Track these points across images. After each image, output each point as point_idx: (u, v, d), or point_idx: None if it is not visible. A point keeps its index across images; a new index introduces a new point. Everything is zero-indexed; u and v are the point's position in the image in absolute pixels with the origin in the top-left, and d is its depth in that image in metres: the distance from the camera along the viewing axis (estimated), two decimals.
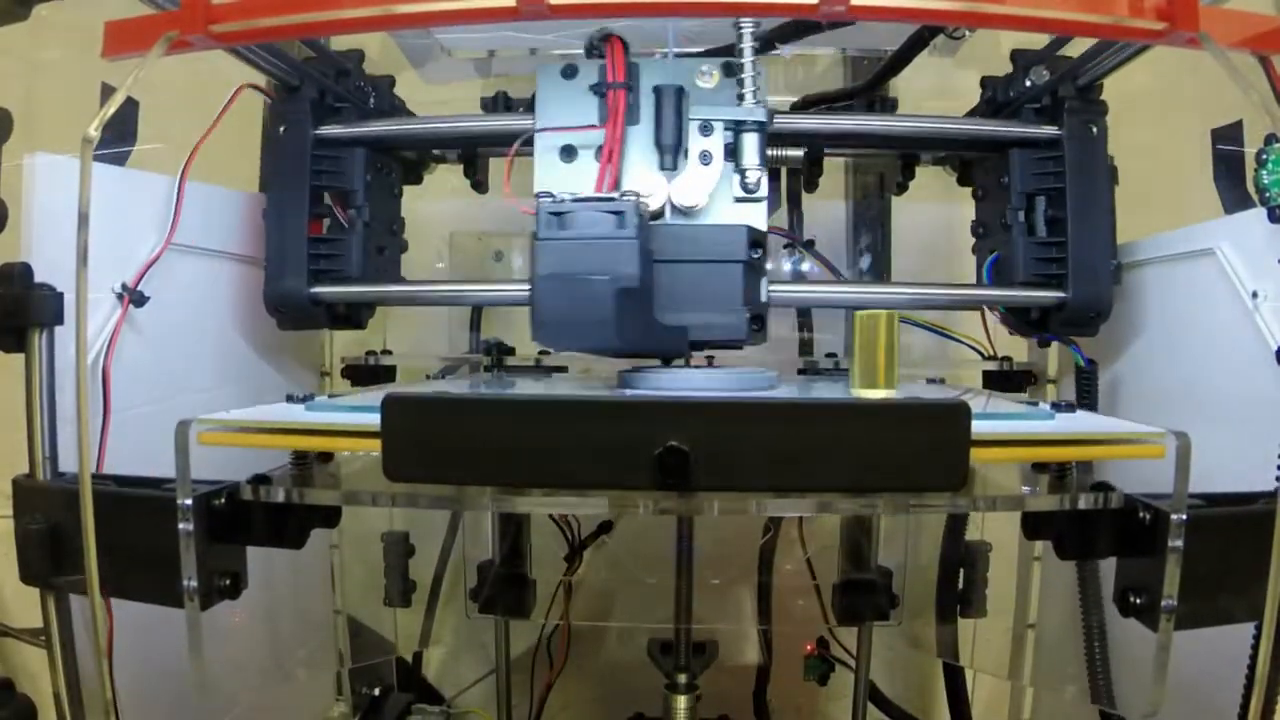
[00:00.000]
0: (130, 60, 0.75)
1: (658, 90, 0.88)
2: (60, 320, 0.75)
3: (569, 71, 0.90)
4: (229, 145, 0.95)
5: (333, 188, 0.99)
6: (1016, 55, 1.02)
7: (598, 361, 1.16)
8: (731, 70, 0.88)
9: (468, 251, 1.51)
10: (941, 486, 0.61)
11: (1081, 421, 0.69)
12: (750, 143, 0.86)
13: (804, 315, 1.32)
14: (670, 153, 0.87)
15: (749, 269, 0.83)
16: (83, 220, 0.66)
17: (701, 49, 0.98)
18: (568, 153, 0.88)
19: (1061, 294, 0.94)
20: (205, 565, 0.63)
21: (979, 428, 0.58)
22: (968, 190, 1.15)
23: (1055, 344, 1.17)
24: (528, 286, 1.04)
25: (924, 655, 1.29)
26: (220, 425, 0.65)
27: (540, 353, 1.30)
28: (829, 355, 1.27)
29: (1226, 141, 0.88)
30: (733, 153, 0.87)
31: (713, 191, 0.86)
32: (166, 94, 0.88)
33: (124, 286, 0.84)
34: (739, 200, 0.87)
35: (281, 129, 0.97)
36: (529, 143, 0.91)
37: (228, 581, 0.66)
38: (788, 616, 1.30)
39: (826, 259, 1.29)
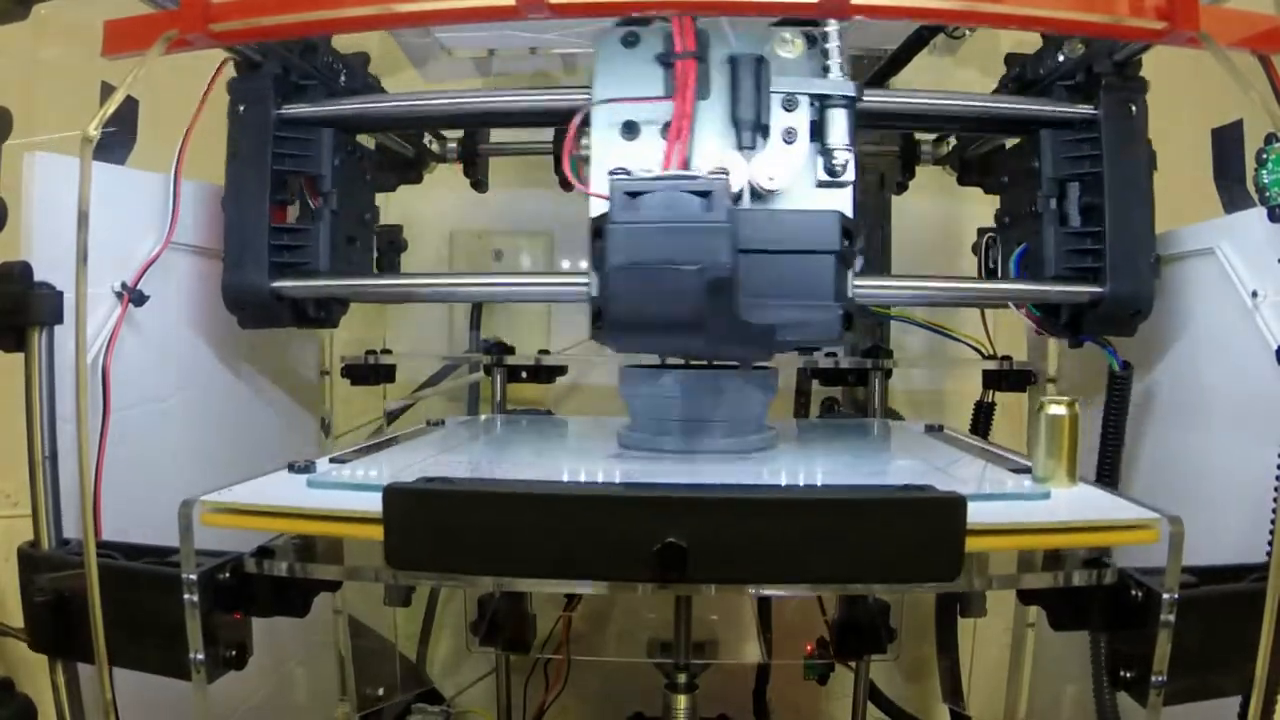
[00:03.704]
0: (130, 59, 0.75)
1: (734, 60, 0.77)
2: (60, 319, 0.75)
3: (630, 39, 0.79)
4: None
5: (297, 172, 0.91)
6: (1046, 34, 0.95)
7: (609, 358, 1.15)
8: (813, 40, 0.78)
9: (468, 250, 1.51)
10: (937, 579, 0.60)
11: (1077, 502, 0.67)
12: (838, 120, 0.77)
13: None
14: (749, 129, 0.77)
15: (840, 260, 0.75)
16: (83, 219, 0.66)
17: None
18: (629, 129, 0.78)
19: (1098, 289, 0.85)
20: (211, 637, 0.64)
21: (974, 514, 0.57)
22: (966, 191, 1.15)
23: (1054, 343, 1.18)
24: (516, 280, 1.02)
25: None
26: (223, 507, 0.64)
27: (540, 351, 1.30)
28: (829, 354, 1.27)
29: (1226, 141, 0.88)
30: (817, 131, 0.78)
31: (798, 173, 0.77)
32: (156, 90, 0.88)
33: (123, 285, 0.84)
34: (822, 184, 0.77)
35: (241, 108, 0.88)
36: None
37: (233, 652, 0.66)
38: (787, 625, 1.30)
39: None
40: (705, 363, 0.84)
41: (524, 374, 1.28)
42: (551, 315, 1.49)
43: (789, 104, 0.77)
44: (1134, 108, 0.86)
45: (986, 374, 1.23)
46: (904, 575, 0.60)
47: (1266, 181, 0.76)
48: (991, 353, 1.21)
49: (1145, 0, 0.71)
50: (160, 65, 0.74)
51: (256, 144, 0.88)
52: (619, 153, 0.77)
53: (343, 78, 0.99)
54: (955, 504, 0.56)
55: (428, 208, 1.39)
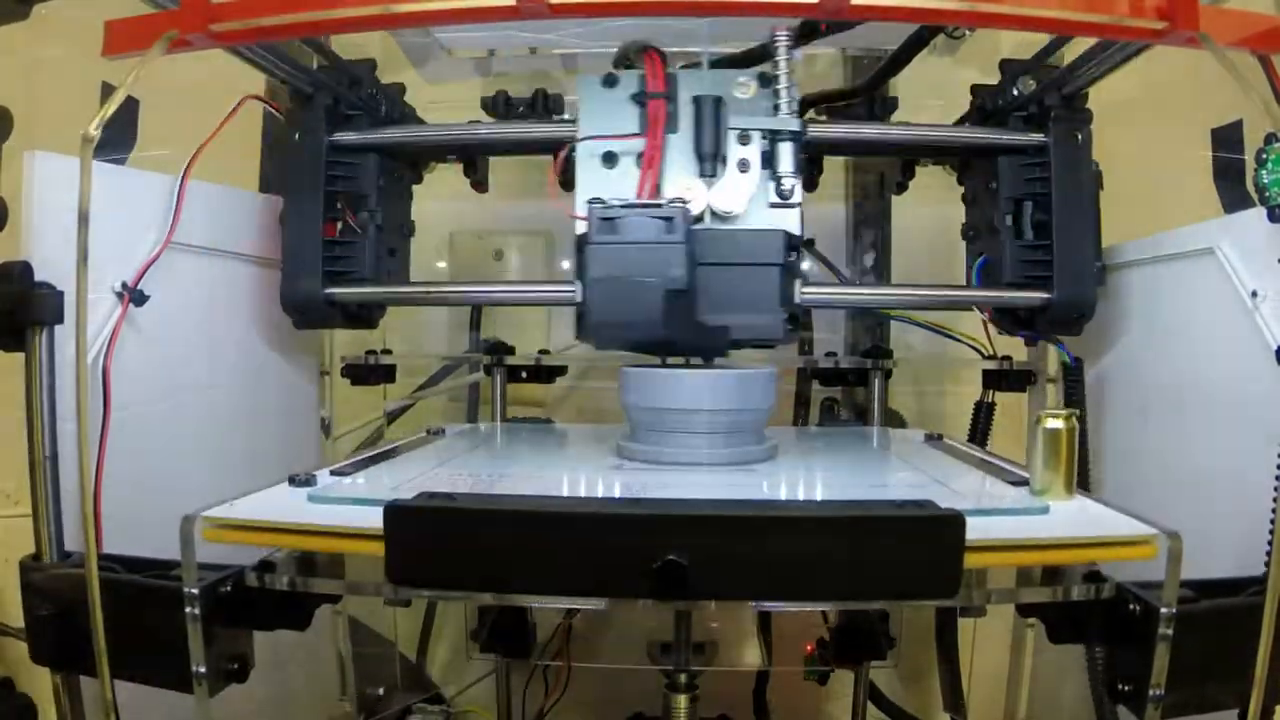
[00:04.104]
0: (130, 59, 0.75)
1: (697, 101, 0.91)
2: (60, 319, 0.75)
3: (609, 81, 0.92)
4: (225, 143, 0.94)
5: (347, 192, 1.02)
6: (1005, 65, 1.04)
7: (606, 358, 1.16)
8: (766, 81, 0.91)
9: (468, 251, 1.51)
10: (937, 596, 0.62)
11: (1075, 516, 0.67)
12: (786, 151, 0.90)
13: (804, 315, 1.32)
14: (710, 160, 0.90)
15: (785, 271, 0.87)
16: (83, 219, 0.66)
17: (723, 49, 1.01)
18: (609, 159, 0.91)
19: (1047, 295, 0.96)
20: (213, 651, 0.64)
21: (973, 530, 0.57)
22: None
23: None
24: (541, 287, 1.07)
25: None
26: (225, 523, 0.64)
27: (540, 351, 1.30)
28: (829, 354, 1.27)
29: (1226, 142, 0.89)
30: (769, 160, 0.90)
31: (751, 197, 0.90)
32: (169, 93, 0.88)
33: (124, 285, 0.84)
34: (773, 205, 0.90)
35: (297, 135, 0.99)
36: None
37: (235, 666, 0.67)
38: (787, 628, 1.30)
39: (826, 258, 1.30)
40: (704, 373, 0.86)
41: (524, 374, 1.28)
42: (551, 315, 1.49)
43: (743, 139, 0.91)
44: (1080, 136, 0.97)
45: (986, 374, 1.23)
46: (903, 592, 0.62)
47: (1266, 181, 0.76)
48: (991, 353, 1.21)
49: (1145, 0, 0.71)
50: (173, 65, 0.74)
51: (311, 168, 0.99)
52: (601, 179, 0.90)
53: (384, 107, 1.07)
54: (954, 521, 0.57)
55: (428, 208, 1.39)
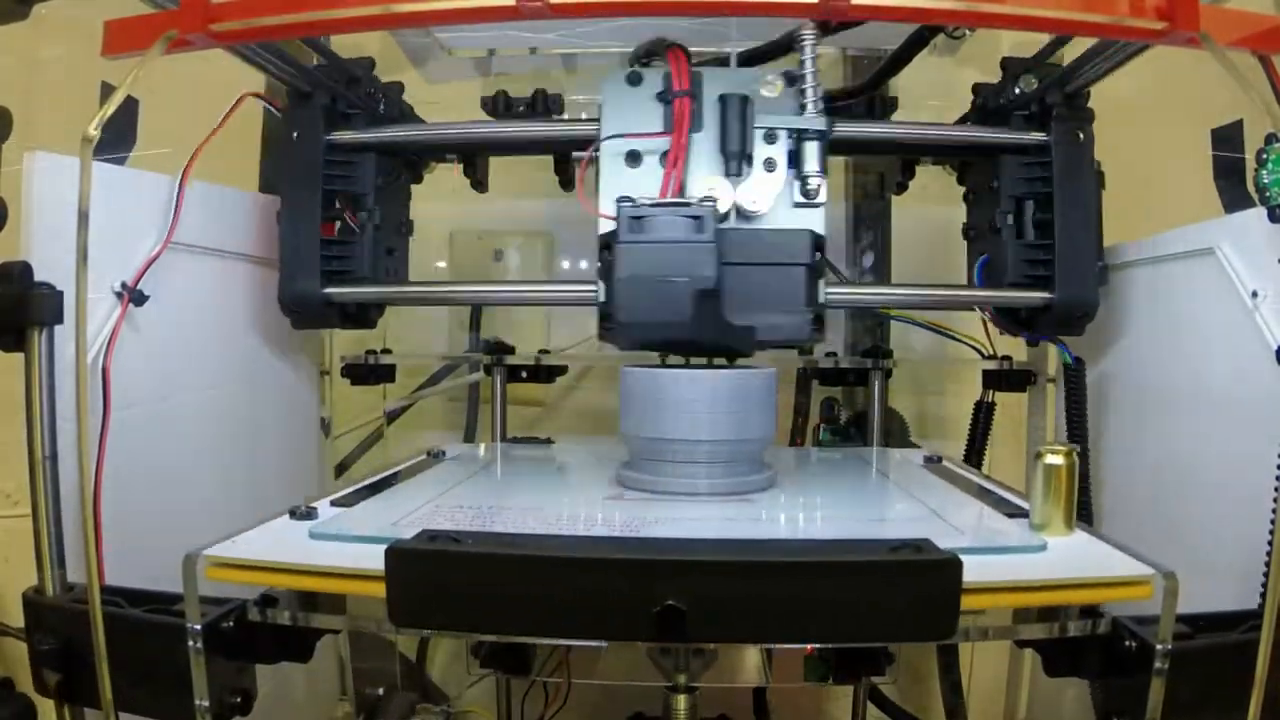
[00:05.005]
0: (130, 59, 0.75)
1: (723, 99, 0.90)
2: (60, 319, 0.75)
3: (634, 79, 0.91)
4: (225, 143, 0.94)
5: (345, 192, 1.01)
6: (1007, 63, 1.04)
7: (603, 357, 1.16)
8: (792, 80, 0.90)
9: (468, 251, 1.51)
10: (933, 638, 0.64)
11: (1072, 554, 0.67)
12: (812, 150, 0.89)
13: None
14: (736, 159, 0.89)
15: (811, 272, 0.86)
16: (83, 219, 0.66)
17: (748, 44, 1.01)
18: (633, 158, 0.90)
19: (1048, 294, 0.96)
20: (215, 684, 0.64)
21: (970, 569, 0.57)
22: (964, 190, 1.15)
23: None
24: (555, 287, 1.08)
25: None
26: (227, 562, 0.64)
27: (540, 351, 1.30)
28: (829, 354, 1.27)
29: (1226, 141, 0.89)
30: (794, 159, 0.90)
31: (776, 197, 0.89)
32: (167, 93, 0.88)
33: (123, 285, 0.84)
34: (798, 205, 0.90)
35: (295, 135, 0.98)
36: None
37: (238, 699, 0.66)
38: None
39: (828, 259, 1.29)
40: (706, 404, 0.84)
41: (524, 374, 1.28)
42: (550, 315, 1.49)
43: (770, 138, 0.90)
44: (1081, 135, 0.96)
45: (986, 374, 1.23)
46: (900, 634, 0.63)
47: (1266, 181, 0.76)
48: (991, 353, 1.22)
49: (1145, 0, 0.71)
50: (170, 64, 0.74)
51: (309, 168, 0.98)
52: (625, 178, 0.89)
53: (382, 105, 1.07)
54: (951, 565, 0.57)
55: (428, 208, 1.39)
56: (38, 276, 0.75)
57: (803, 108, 0.90)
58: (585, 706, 1.39)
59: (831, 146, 1.08)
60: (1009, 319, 1.05)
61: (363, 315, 1.08)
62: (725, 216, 0.88)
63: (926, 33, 1.03)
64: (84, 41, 0.81)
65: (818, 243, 0.88)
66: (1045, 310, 0.97)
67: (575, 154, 1.10)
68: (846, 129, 1.05)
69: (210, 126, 0.93)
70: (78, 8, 0.90)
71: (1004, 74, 1.03)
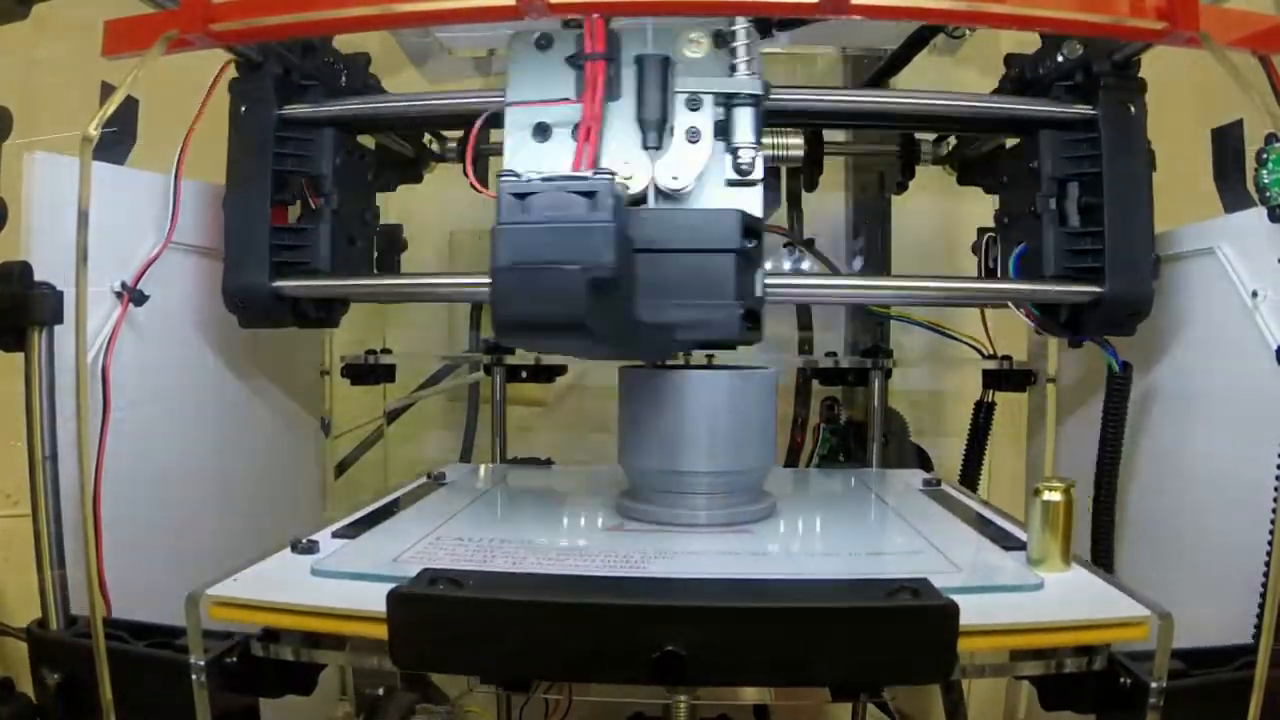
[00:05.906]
0: (130, 59, 0.75)
1: (639, 60, 0.78)
2: (60, 319, 0.75)
3: (544, 41, 0.79)
4: (224, 143, 0.94)
5: (299, 172, 0.91)
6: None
7: (599, 366, 1.15)
8: (723, 39, 0.78)
9: (468, 250, 1.51)
10: (930, 680, 0.64)
11: (1069, 592, 0.66)
12: (743, 118, 0.78)
13: (804, 314, 1.32)
14: (654, 129, 0.77)
15: (741, 259, 0.75)
16: (82, 219, 0.66)
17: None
18: (541, 131, 0.78)
19: (1097, 289, 0.85)
20: (219, 719, 0.64)
21: (967, 609, 0.57)
22: (965, 190, 1.15)
23: (1054, 343, 1.18)
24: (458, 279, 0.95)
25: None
26: (229, 601, 0.64)
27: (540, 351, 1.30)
28: (829, 354, 1.27)
29: (1226, 141, 0.88)
30: (724, 130, 0.78)
31: (702, 173, 0.78)
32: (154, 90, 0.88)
33: (123, 285, 0.84)
34: (731, 184, 0.78)
35: (242, 108, 0.89)
36: (496, 122, 0.81)
37: None
38: None
39: (826, 258, 1.30)
40: (705, 431, 0.81)
41: (524, 374, 1.28)
42: None
43: (692, 103, 0.78)
44: (1133, 108, 0.86)
45: (986, 374, 1.23)
46: (897, 677, 0.64)
47: (1266, 181, 0.76)
48: (991, 353, 1.22)
49: (1145, 0, 0.71)
50: (162, 62, 0.74)
51: (257, 144, 0.88)
52: (532, 154, 0.78)
53: (343, 78, 0.99)
54: (948, 611, 0.57)
55: (428, 208, 1.39)
56: (38, 276, 0.75)
57: (733, 68, 0.78)
58: (585, 706, 1.39)
59: (858, 118, 0.99)
60: (1048, 317, 0.92)
61: (323, 314, 0.98)
62: (642, 197, 0.77)
63: (926, 33, 1.03)
64: (84, 41, 0.81)
65: (751, 225, 0.76)
66: (1093, 306, 0.86)
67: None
68: (859, 99, 0.98)
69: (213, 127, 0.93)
70: (78, 8, 0.90)
71: (1043, 42, 0.94)
